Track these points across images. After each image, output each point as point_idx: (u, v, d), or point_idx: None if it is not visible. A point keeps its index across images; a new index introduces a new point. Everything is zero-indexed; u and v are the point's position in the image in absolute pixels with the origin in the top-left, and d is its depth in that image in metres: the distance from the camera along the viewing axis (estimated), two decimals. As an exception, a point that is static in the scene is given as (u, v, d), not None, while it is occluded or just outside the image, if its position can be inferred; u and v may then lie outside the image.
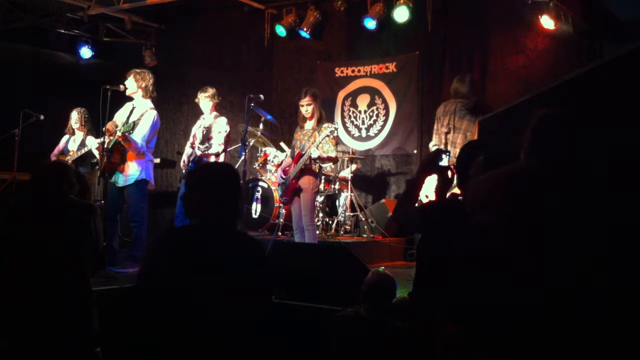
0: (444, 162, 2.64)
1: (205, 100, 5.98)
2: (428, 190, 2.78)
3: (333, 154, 5.37)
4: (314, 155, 5.26)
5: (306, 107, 5.37)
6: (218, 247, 2.25)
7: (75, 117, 6.42)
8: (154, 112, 5.63)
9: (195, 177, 2.45)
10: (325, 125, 5.34)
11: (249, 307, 2.20)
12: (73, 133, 6.50)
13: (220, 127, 5.87)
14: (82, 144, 6.37)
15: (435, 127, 6.02)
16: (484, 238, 2.03)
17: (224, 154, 5.90)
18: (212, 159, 5.83)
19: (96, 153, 6.09)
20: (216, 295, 2.16)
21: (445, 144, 5.81)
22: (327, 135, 5.26)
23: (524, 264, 1.92)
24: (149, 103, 5.67)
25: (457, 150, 5.57)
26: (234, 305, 2.17)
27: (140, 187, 5.56)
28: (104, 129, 5.44)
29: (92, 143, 6.22)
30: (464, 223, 2.30)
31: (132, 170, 5.51)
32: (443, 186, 2.63)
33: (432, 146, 5.96)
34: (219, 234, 2.30)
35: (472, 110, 5.78)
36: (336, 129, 5.32)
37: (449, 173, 2.64)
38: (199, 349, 2.15)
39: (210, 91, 5.98)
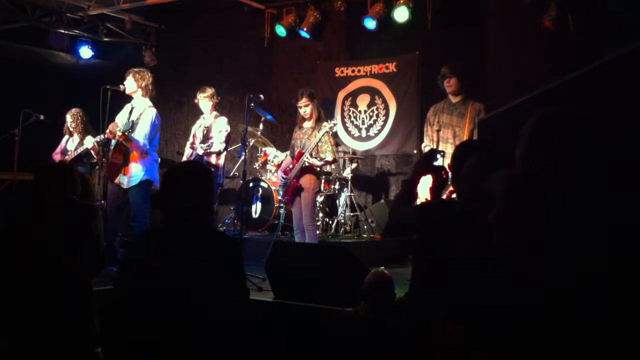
0: (439, 162, 2.64)
1: (204, 100, 5.99)
2: (424, 191, 2.78)
3: (330, 157, 5.36)
4: (307, 162, 5.27)
5: (304, 108, 5.39)
6: (196, 245, 2.26)
7: (69, 120, 6.42)
8: (154, 110, 5.64)
9: (179, 178, 2.43)
10: (324, 124, 5.35)
11: (230, 305, 2.20)
12: (71, 134, 6.51)
13: (221, 126, 5.88)
14: (80, 144, 6.38)
15: (425, 129, 6.04)
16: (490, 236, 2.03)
17: (224, 153, 5.92)
18: (213, 157, 5.84)
19: (93, 152, 6.09)
20: (197, 293, 2.16)
21: (437, 142, 5.82)
22: (327, 132, 5.26)
23: (524, 264, 1.92)
24: (147, 102, 5.68)
25: (448, 146, 5.63)
26: (215, 304, 2.17)
27: (144, 187, 5.55)
28: (107, 131, 5.46)
29: (89, 142, 6.22)
30: (462, 223, 2.30)
31: (136, 171, 5.51)
32: (438, 186, 2.63)
33: (424, 147, 5.99)
34: (198, 232, 2.31)
35: (464, 98, 5.78)
36: (335, 124, 5.32)
37: (443, 173, 2.64)
38: (183, 348, 2.15)
39: (209, 91, 5.99)
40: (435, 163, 2.64)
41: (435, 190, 2.63)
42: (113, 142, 5.51)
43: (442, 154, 2.67)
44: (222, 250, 2.29)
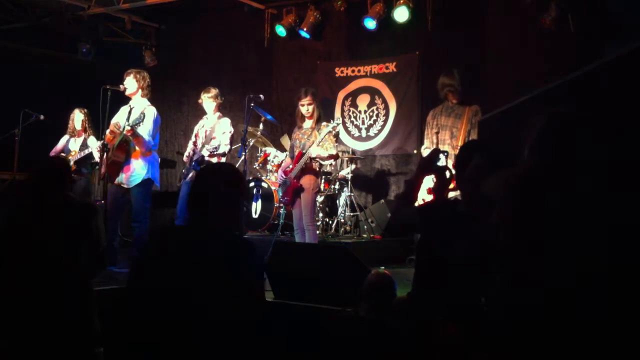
0: (442, 162, 2.64)
1: (208, 100, 5.99)
2: (424, 193, 2.78)
3: (334, 152, 5.38)
4: (313, 154, 5.28)
5: (307, 106, 5.38)
6: (199, 247, 2.26)
7: (79, 117, 6.44)
8: (154, 109, 5.66)
9: (195, 178, 2.48)
10: (324, 123, 5.36)
11: (237, 307, 2.20)
12: (74, 134, 6.51)
13: (225, 127, 5.88)
14: (84, 145, 6.38)
15: (426, 132, 6.12)
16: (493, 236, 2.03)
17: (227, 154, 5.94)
18: (215, 159, 5.83)
19: (96, 155, 6.11)
20: (201, 295, 2.16)
21: (436, 144, 5.87)
22: (330, 132, 5.27)
23: (524, 264, 1.92)
24: (146, 101, 5.70)
25: (446, 147, 5.69)
26: (221, 306, 2.17)
27: (145, 187, 5.56)
28: (107, 132, 5.46)
29: (94, 144, 6.23)
30: (464, 223, 2.30)
31: (138, 169, 5.51)
32: (441, 186, 2.63)
33: (424, 149, 6.04)
34: (201, 233, 2.31)
35: (462, 102, 5.86)
36: (338, 124, 5.34)
37: (447, 173, 2.64)
38: (189, 350, 2.15)
39: (214, 91, 5.99)
40: (439, 163, 2.64)
41: (439, 190, 2.63)
42: (116, 140, 5.51)
43: (445, 154, 2.67)
44: (222, 250, 2.28)
